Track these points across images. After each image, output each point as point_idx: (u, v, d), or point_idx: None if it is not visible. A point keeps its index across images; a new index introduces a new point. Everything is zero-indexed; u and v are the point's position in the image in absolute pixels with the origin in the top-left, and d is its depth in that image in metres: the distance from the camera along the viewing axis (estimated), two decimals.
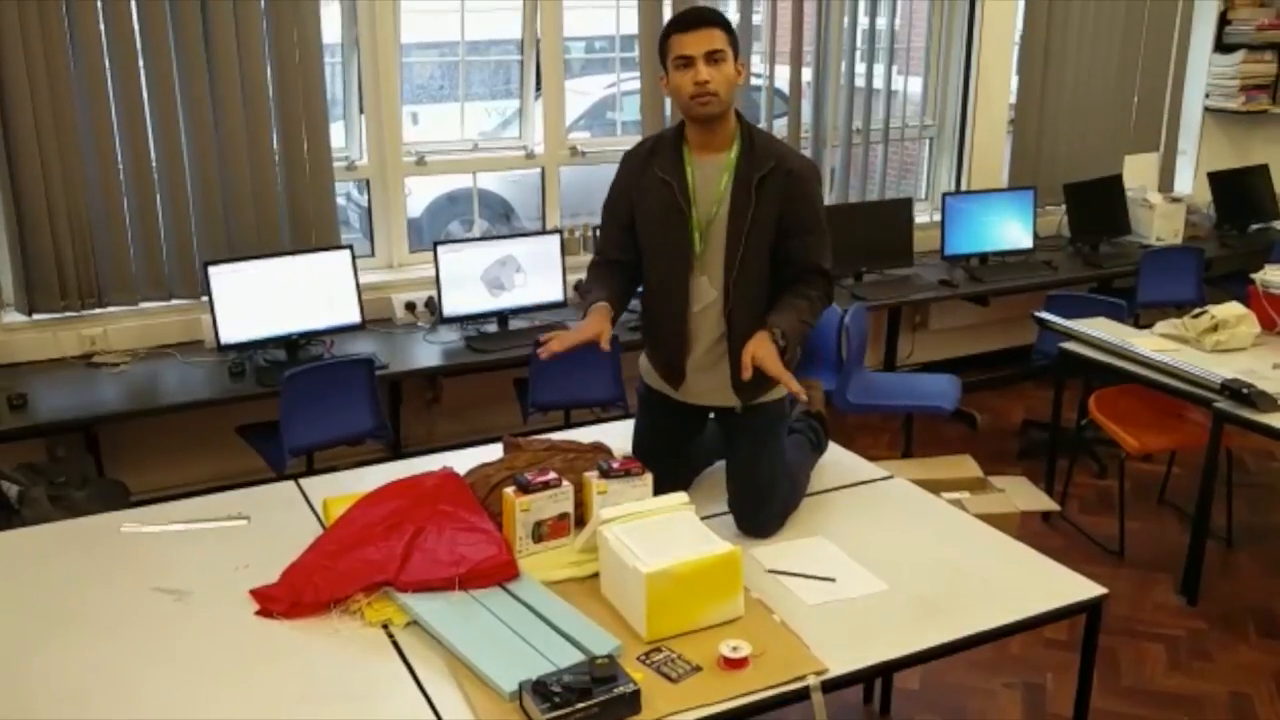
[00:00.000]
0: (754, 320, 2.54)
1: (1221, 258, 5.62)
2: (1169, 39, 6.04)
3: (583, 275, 4.58)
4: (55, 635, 2.14)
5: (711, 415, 2.78)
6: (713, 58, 2.46)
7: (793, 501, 2.66)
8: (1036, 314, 4.47)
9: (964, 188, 5.70)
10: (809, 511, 2.66)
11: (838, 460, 2.97)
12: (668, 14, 4.69)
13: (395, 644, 2.12)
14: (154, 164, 3.97)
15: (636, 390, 2.85)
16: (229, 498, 2.73)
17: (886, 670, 2.38)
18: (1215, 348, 3.94)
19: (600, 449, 2.70)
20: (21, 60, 3.66)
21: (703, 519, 2.33)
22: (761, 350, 2.43)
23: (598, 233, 2.76)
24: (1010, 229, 5.36)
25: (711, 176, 2.56)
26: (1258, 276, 4.20)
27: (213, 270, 3.87)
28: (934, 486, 2.92)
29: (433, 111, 6.54)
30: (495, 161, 4.93)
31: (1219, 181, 5.98)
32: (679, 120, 2.60)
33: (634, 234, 2.67)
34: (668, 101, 4.79)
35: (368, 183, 4.60)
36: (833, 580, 2.35)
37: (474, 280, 4.29)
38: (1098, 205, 5.64)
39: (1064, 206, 5.65)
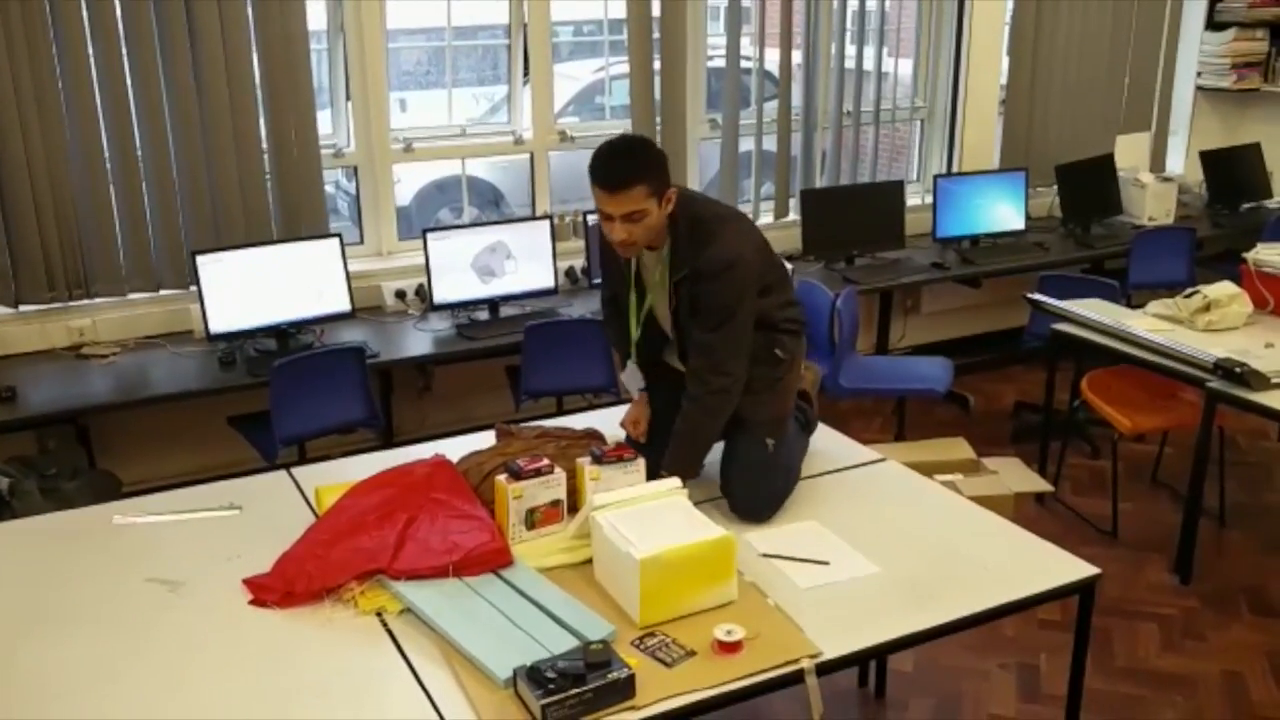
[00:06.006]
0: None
1: (1213, 237, 5.62)
2: (1160, 18, 6.02)
3: (573, 261, 4.67)
4: (47, 628, 2.14)
5: None
6: (632, 218, 2.44)
7: (788, 485, 2.66)
8: (1029, 295, 4.47)
9: (955, 169, 5.68)
10: (802, 495, 2.66)
11: (830, 444, 2.96)
12: None
13: (389, 632, 2.12)
14: (139, 153, 3.95)
15: None
16: (221, 488, 2.72)
17: (880, 653, 2.39)
18: (1208, 327, 3.95)
19: (593, 435, 2.70)
20: (4, 51, 3.63)
21: (696, 504, 2.33)
22: None
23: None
24: (1002, 211, 5.36)
25: (652, 267, 2.65)
26: (1250, 255, 4.20)
27: (201, 260, 3.84)
28: (927, 469, 2.92)
29: (420, 98, 6.52)
30: (484, 148, 4.91)
31: (1210, 160, 5.97)
32: None
33: None
34: (657, 86, 4.77)
35: (356, 170, 4.57)
36: (826, 564, 2.35)
37: (464, 267, 4.27)
38: (1089, 186, 5.63)
39: (1055, 187, 5.65)
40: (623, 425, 2.88)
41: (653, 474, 2.48)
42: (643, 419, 2.85)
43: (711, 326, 2.53)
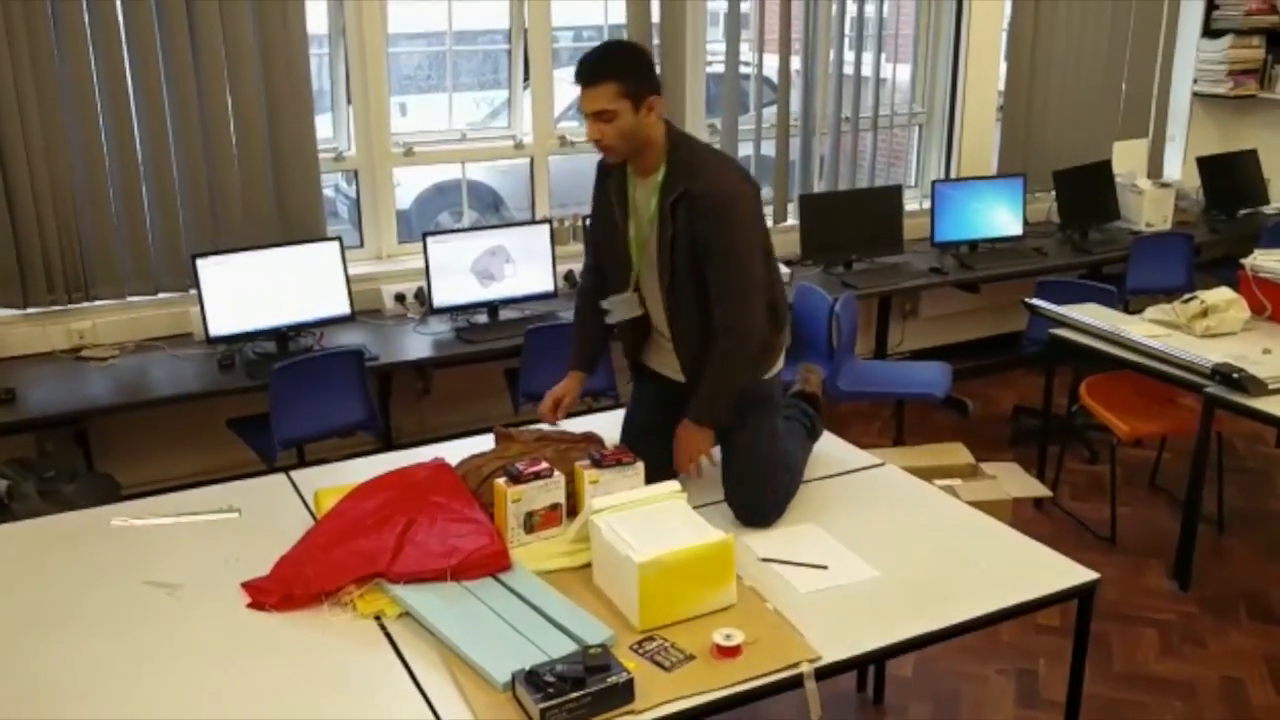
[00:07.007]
0: (695, 341, 2.61)
1: (1210, 243, 5.63)
2: (1157, 24, 6.04)
3: (573, 266, 4.66)
4: (46, 630, 2.14)
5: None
6: (601, 116, 2.45)
7: (791, 489, 2.66)
8: (1027, 300, 4.47)
9: (953, 175, 5.69)
10: (801, 499, 2.66)
11: (830, 448, 2.97)
12: (655, 2, 4.67)
13: (388, 635, 2.12)
14: (140, 156, 3.94)
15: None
16: (219, 491, 2.72)
17: (879, 658, 2.39)
18: (1205, 333, 3.95)
19: (592, 439, 2.70)
20: (6, 55, 3.63)
21: (695, 508, 2.33)
22: (693, 451, 2.58)
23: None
24: (1000, 216, 5.36)
25: (645, 197, 2.61)
26: (1247, 261, 4.21)
27: (200, 263, 3.84)
28: (926, 474, 2.93)
29: (421, 102, 6.52)
30: (484, 152, 4.91)
31: (1208, 166, 5.98)
32: None
33: None
34: None
35: (356, 174, 4.57)
36: (825, 568, 2.35)
37: (464, 271, 4.27)
38: (1087, 191, 5.64)
39: (1053, 193, 5.65)
40: (541, 412, 2.85)
41: (650, 479, 2.48)
42: (564, 399, 2.84)
43: (720, 268, 2.51)
